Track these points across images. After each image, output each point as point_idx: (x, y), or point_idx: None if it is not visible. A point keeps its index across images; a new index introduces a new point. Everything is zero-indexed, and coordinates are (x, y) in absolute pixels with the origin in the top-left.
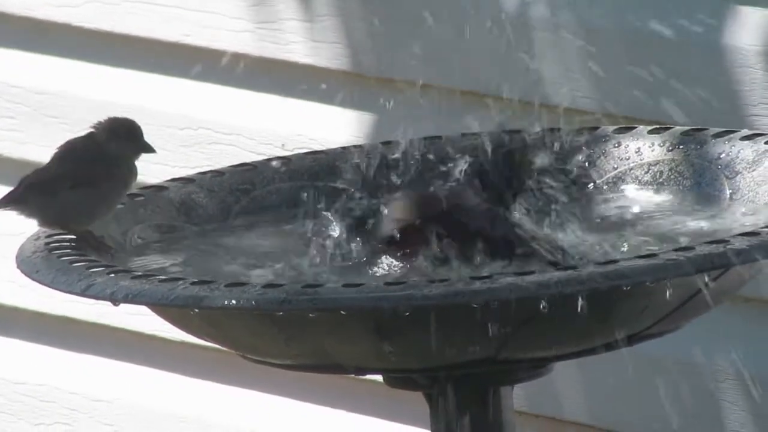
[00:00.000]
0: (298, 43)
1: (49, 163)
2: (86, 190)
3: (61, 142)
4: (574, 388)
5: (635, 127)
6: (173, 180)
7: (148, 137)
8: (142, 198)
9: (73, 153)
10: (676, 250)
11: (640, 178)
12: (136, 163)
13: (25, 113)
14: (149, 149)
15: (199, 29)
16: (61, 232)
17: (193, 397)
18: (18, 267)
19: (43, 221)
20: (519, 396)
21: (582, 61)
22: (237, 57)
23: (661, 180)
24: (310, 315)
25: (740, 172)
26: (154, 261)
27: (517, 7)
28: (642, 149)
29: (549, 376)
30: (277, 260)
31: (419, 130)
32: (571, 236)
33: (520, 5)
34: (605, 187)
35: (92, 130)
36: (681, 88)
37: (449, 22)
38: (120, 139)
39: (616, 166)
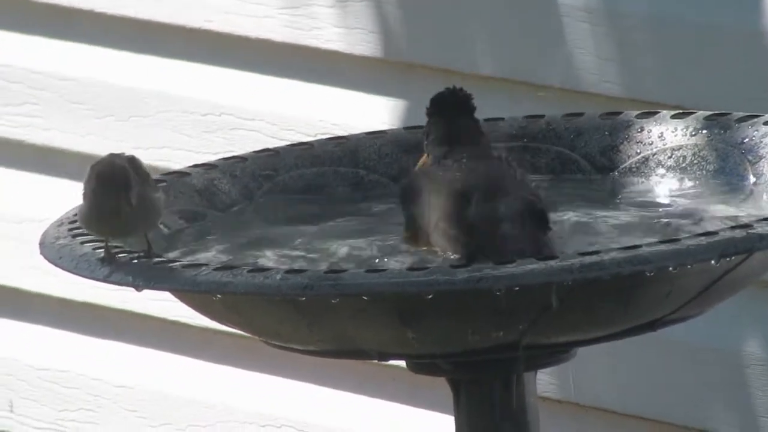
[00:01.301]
0: (320, 29)
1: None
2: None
3: (85, 128)
4: (597, 374)
5: (658, 112)
6: (196, 166)
7: (171, 123)
8: (164, 184)
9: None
10: (699, 235)
11: (663, 162)
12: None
13: (49, 99)
14: (115, 211)
15: (221, 15)
16: None
17: (216, 382)
18: (41, 253)
19: None
20: (542, 381)
21: (608, 47)
22: (259, 43)
23: (684, 165)
24: (333, 301)
25: (764, 157)
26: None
27: None
28: (665, 134)
29: (572, 361)
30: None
31: None
32: (592, 220)
33: None
34: (628, 172)
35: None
36: (704, 72)
37: (474, 7)
38: (96, 193)
39: (639, 151)
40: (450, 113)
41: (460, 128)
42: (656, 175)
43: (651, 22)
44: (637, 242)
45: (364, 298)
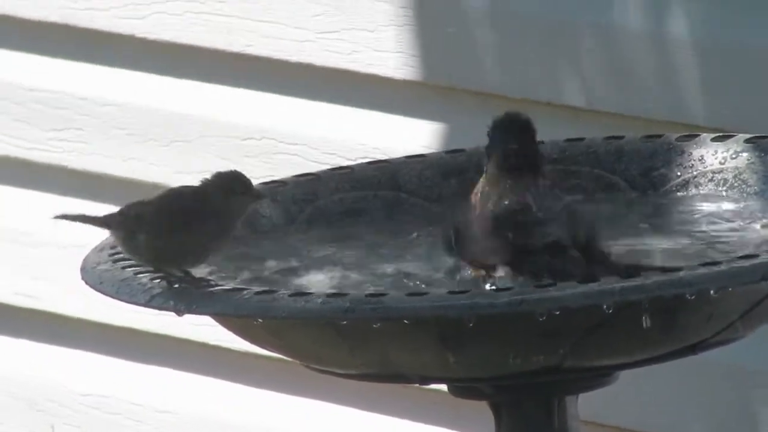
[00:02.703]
0: (360, 53)
1: (150, 200)
2: (165, 239)
3: (127, 153)
4: (639, 397)
5: (698, 135)
6: None
7: (212, 147)
8: None
9: (177, 202)
10: (740, 258)
11: (704, 185)
12: None
13: (91, 124)
14: (261, 196)
15: (261, 39)
16: None
17: (257, 407)
18: (82, 278)
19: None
20: (584, 405)
21: (650, 70)
22: (299, 67)
23: (725, 188)
24: (374, 324)
25: None
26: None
27: (584, 14)
28: (705, 157)
29: (614, 385)
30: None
31: (482, 139)
32: (634, 244)
33: (588, 12)
34: (669, 195)
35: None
36: (746, 94)
37: (515, 31)
38: (236, 194)
39: (679, 173)
40: (512, 137)
41: (523, 154)
42: (697, 198)
43: (693, 45)
44: (679, 265)
45: (406, 321)
